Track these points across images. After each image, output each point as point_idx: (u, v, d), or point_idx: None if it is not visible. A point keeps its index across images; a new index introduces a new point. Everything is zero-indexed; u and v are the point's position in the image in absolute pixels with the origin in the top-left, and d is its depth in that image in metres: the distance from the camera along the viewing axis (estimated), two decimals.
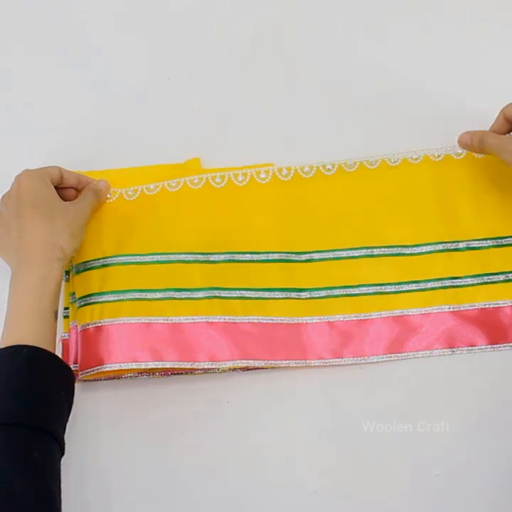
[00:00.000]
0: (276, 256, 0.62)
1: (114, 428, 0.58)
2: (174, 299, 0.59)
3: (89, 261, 0.60)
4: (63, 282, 0.61)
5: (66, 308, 0.62)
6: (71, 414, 0.53)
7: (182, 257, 0.61)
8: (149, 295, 0.59)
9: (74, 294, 0.61)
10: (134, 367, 0.56)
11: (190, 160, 0.66)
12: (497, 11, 0.73)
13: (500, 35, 0.72)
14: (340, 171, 0.64)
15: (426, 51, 0.72)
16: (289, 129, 0.69)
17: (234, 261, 0.61)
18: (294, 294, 0.61)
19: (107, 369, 0.56)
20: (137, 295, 0.59)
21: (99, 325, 0.58)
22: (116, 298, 0.59)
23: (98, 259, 0.60)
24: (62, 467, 0.50)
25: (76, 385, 0.55)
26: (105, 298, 0.59)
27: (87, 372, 0.57)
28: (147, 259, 0.60)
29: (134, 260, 0.60)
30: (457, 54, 0.72)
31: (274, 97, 0.70)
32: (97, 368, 0.56)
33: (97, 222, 0.62)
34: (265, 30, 0.72)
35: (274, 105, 0.70)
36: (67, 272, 0.62)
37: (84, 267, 0.61)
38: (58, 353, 0.59)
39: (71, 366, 0.58)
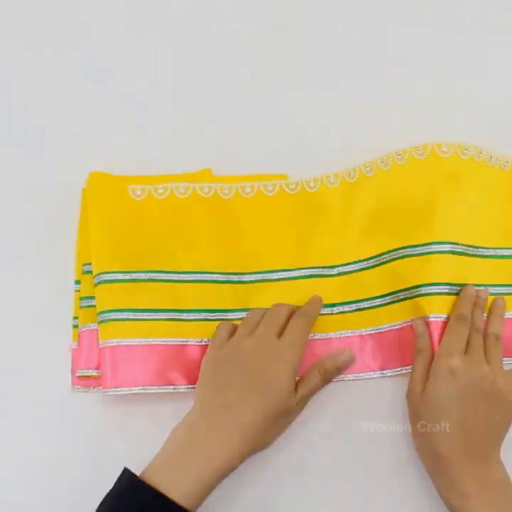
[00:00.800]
0: (306, 272, 0.62)
1: (118, 432, 0.58)
2: (208, 320, 0.59)
3: (114, 272, 0.59)
4: (73, 292, 0.62)
5: (75, 318, 0.61)
6: (74, 419, 0.53)
7: (214, 276, 0.61)
8: (184, 315, 0.59)
9: (86, 298, 0.60)
10: (170, 390, 0.57)
11: (202, 171, 0.65)
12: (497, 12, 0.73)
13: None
14: (343, 182, 0.64)
15: (428, 52, 0.72)
16: (301, 137, 0.68)
17: (265, 281, 0.61)
18: (326, 310, 0.61)
19: (150, 391, 0.57)
20: (171, 315, 0.59)
21: (131, 344, 0.57)
22: (149, 317, 0.59)
23: (126, 272, 0.59)
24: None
25: (86, 394, 0.55)
26: (139, 315, 0.58)
27: (122, 391, 0.56)
28: (183, 277, 0.60)
29: (168, 278, 0.60)
30: (463, 56, 0.72)
31: (286, 104, 0.70)
32: (133, 388, 0.56)
33: (119, 232, 0.61)
34: (275, 37, 0.71)
35: (285, 114, 0.69)
36: (77, 282, 0.62)
37: (112, 279, 0.59)
38: (67, 364, 0.59)
39: (81, 371, 0.58)
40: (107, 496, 0.49)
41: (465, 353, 0.55)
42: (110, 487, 0.50)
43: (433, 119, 0.69)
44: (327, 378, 0.58)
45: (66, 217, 0.64)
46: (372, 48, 0.72)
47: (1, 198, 0.65)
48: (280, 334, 0.55)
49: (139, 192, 0.62)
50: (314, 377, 0.57)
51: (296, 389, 0.55)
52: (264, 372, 0.53)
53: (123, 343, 0.57)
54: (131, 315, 0.58)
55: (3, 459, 0.58)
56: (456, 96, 0.70)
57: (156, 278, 0.59)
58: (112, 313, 0.58)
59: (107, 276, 0.59)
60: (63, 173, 0.66)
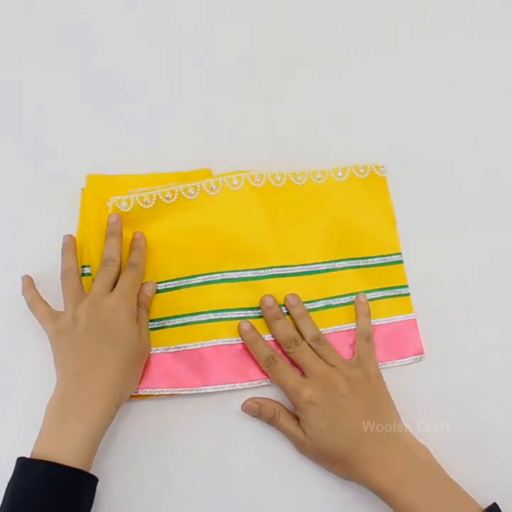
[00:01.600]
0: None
1: (119, 434, 0.58)
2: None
3: None
4: None
5: None
6: None
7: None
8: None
9: None
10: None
11: (201, 170, 0.66)
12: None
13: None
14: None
15: (431, 58, 0.72)
16: (301, 141, 0.69)
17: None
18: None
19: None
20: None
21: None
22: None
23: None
24: None
25: None
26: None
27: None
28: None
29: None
30: (466, 64, 0.72)
31: (287, 108, 0.70)
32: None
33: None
34: (274, 39, 0.72)
35: (284, 115, 0.70)
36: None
37: None
38: None
39: None
40: (7, 484, 0.50)
41: (305, 376, 0.57)
42: (110, 486, 0.50)
43: (433, 118, 0.70)
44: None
45: (66, 217, 0.64)
46: (372, 48, 0.72)
47: (1, 199, 0.66)
48: (112, 289, 0.58)
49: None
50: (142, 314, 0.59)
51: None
52: (106, 324, 0.55)
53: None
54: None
55: (3, 459, 0.58)
56: (465, 107, 0.70)
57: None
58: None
59: None
60: (63, 173, 0.66)
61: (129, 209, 0.61)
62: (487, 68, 0.72)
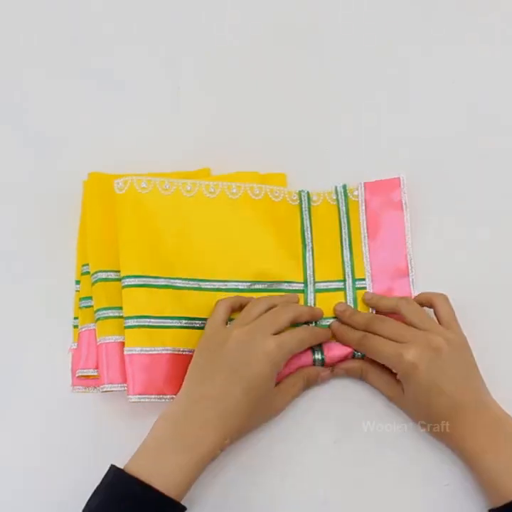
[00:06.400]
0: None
1: (119, 433, 0.58)
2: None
3: (109, 271, 0.60)
4: (74, 292, 0.62)
5: (76, 318, 0.62)
6: (74, 419, 0.53)
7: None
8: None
9: (85, 299, 0.61)
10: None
11: (201, 170, 0.65)
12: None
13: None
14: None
15: (433, 61, 0.72)
16: (301, 141, 0.68)
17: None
18: None
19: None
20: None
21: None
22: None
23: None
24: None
25: (86, 395, 0.56)
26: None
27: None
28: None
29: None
30: (465, 65, 0.72)
31: (286, 108, 0.70)
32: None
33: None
34: (278, 40, 0.72)
35: (285, 116, 0.69)
36: (78, 282, 0.62)
37: (108, 277, 0.60)
38: (67, 364, 0.59)
39: (81, 370, 0.59)
40: (95, 490, 0.50)
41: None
42: None
43: (437, 123, 0.70)
44: (307, 387, 0.59)
45: (67, 217, 0.65)
46: (376, 49, 0.72)
47: (2, 199, 0.66)
48: (276, 333, 0.55)
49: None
50: (298, 383, 0.58)
51: (277, 387, 0.56)
52: (247, 363, 0.53)
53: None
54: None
55: (3, 458, 0.58)
56: (467, 105, 0.70)
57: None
58: (109, 311, 0.59)
59: (103, 275, 0.60)
60: (63, 173, 0.67)
61: (147, 191, 0.60)
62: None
